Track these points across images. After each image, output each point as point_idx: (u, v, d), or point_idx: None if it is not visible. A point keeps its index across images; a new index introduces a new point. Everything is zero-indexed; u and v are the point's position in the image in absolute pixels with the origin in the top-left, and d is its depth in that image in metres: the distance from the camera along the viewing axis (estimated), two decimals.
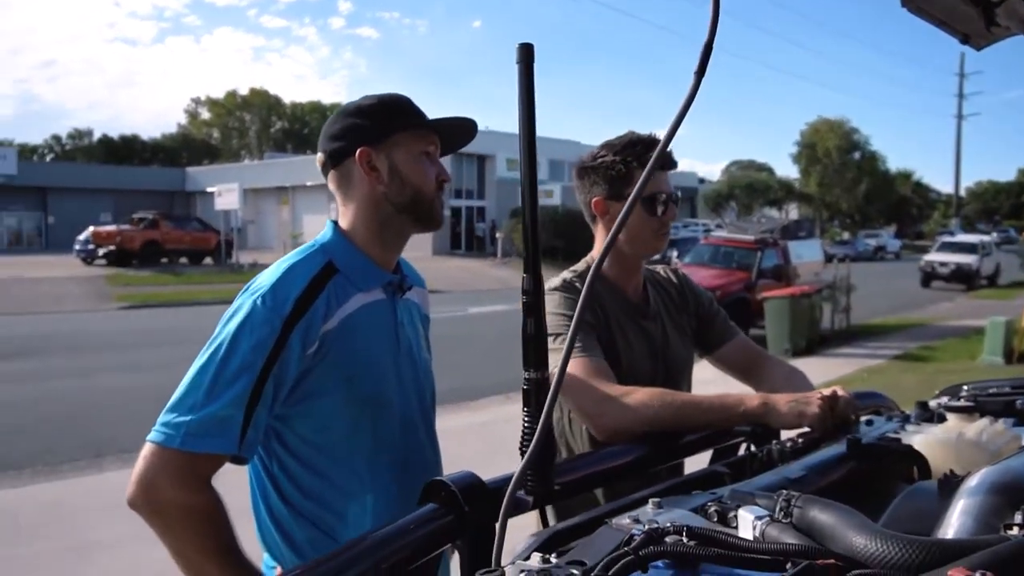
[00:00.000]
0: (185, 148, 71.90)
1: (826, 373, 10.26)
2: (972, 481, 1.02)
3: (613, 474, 1.38)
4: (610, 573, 0.76)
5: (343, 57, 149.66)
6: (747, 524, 0.92)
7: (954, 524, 0.96)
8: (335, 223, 1.60)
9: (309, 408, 1.44)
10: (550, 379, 1.22)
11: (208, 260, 29.34)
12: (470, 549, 1.14)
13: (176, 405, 1.35)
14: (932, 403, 1.71)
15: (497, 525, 0.89)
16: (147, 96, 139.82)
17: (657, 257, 2.24)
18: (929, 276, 25.71)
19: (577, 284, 1.89)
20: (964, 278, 25.21)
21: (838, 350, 12.72)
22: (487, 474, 1.24)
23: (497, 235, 32.91)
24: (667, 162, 1.92)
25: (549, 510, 1.50)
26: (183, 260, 28.76)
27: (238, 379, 1.34)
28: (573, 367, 1.68)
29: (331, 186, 1.60)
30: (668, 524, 0.86)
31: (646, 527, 0.87)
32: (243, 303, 1.41)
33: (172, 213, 33.36)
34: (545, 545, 1.01)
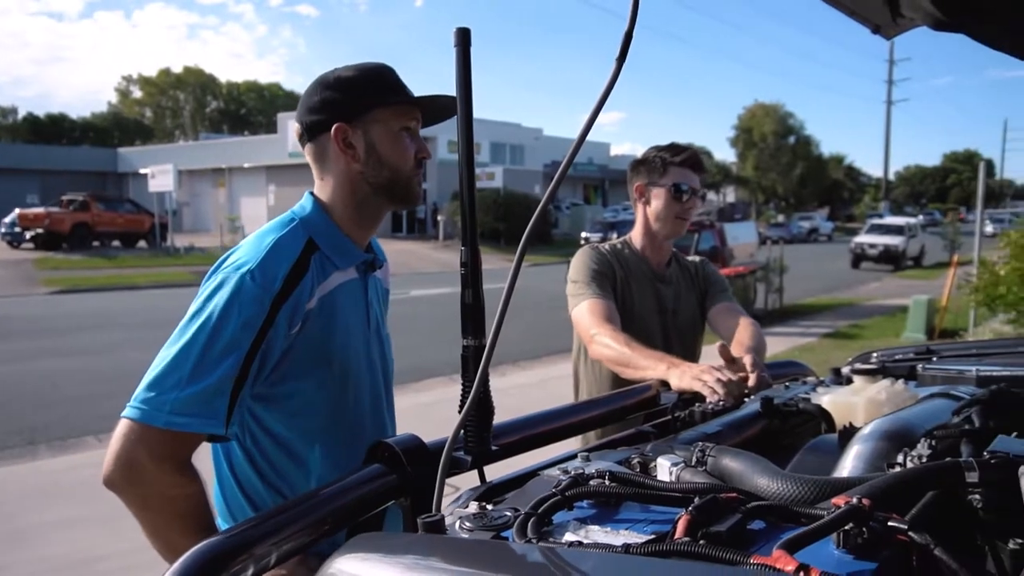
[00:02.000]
0: (116, 128, 69.57)
1: (785, 343, 10.62)
2: (865, 430, 1.14)
3: (551, 436, 1.46)
4: (539, 511, 0.84)
5: (282, 35, 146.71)
6: (664, 470, 1.01)
7: (848, 467, 1.07)
8: (313, 195, 1.56)
9: (287, 386, 1.43)
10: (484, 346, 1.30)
11: (142, 243, 28.56)
12: (414, 505, 1.21)
13: (158, 382, 1.29)
14: (844, 369, 1.85)
15: (437, 482, 0.96)
16: (76, 73, 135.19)
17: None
18: (859, 257, 26.55)
19: (605, 247, 2.47)
20: (891, 259, 26.13)
21: (771, 329, 13.10)
22: None
23: (439, 217, 32.82)
24: (697, 165, 2.45)
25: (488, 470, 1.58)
26: (116, 243, 27.94)
27: (226, 357, 1.30)
28: (585, 307, 2.24)
29: (308, 158, 1.56)
30: (593, 471, 0.94)
31: (571, 474, 0.95)
32: (228, 278, 1.35)
33: (104, 195, 32.26)
34: (482, 497, 1.09)
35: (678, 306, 2.48)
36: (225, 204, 37.50)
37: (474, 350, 1.28)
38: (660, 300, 2.45)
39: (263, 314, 1.34)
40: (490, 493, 1.10)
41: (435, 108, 1.58)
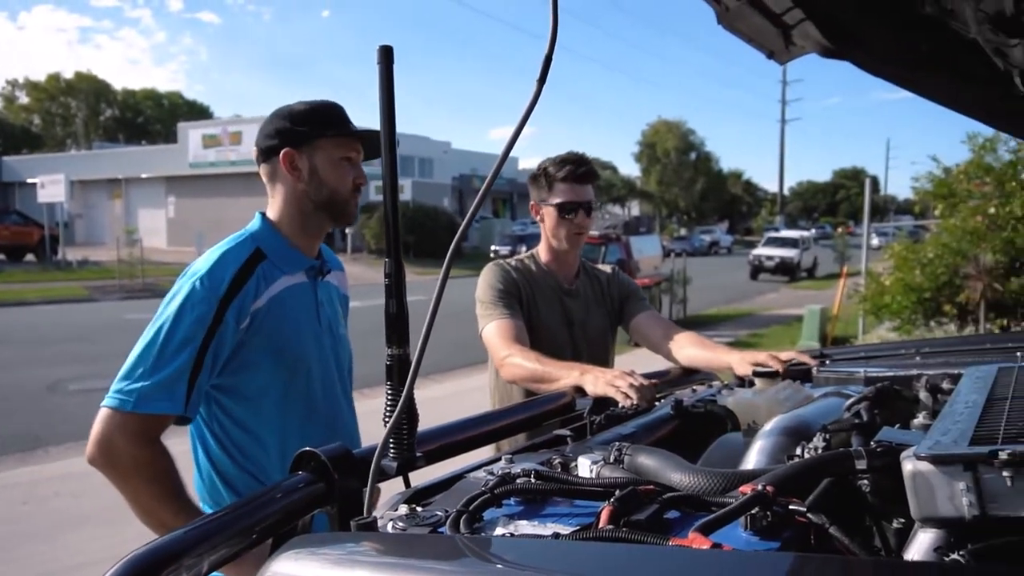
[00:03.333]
0: (0, 135, 65.79)
1: (664, 361, 10.89)
2: (767, 427, 1.23)
3: (473, 443, 1.50)
4: (470, 509, 0.88)
5: (181, 42, 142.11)
6: (585, 468, 1.07)
7: (752, 460, 1.16)
8: (263, 214, 1.80)
9: (244, 377, 1.65)
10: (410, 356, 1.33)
11: (31, 256, 27.12)
12: (341, 513, 1.23)
13: (127, 374, 1.54)
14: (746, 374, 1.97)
15: (366, 489, 0.99)
16: None
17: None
18: (757, 269, 27.67)
19: (512, 263, 2.45)
20: (787, 271, 27.34)
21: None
22: None
23: (347, 231, 32.42)
24: (585, 176, 2.41)
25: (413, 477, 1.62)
26: (0, 257, 26.43)
27: (183, 350, 1.55)
28: (494, 328, 2.25)
29: (263, 177, 1.80)
30: (519, 470, 0.99)
31: (497, 474, 1.00)
32: (182, 286, 1.61)
33: None
34: (410, 500, 1.12)
35: (586, 319, 2.48)
36: (122, 216, 35.96)
37: (399, 359, 1.31)
38: (567, 314, 2.45)
39: (211, 312, 1.58)
40: (417, 497, 1.13)
41: (375, 142, 1.71)
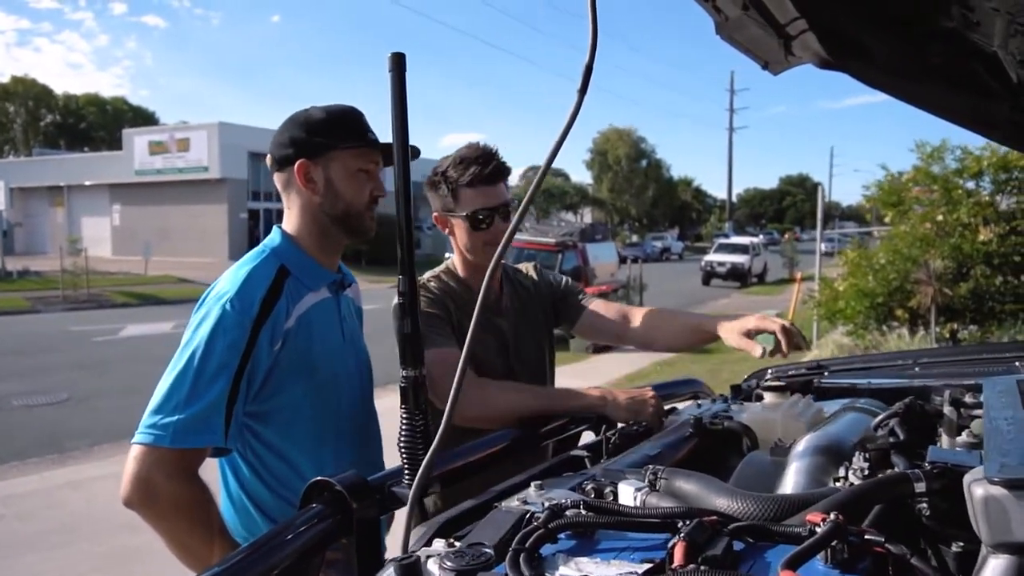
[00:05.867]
0: None
1: (622, 368, 10.95)
2: (799, 447, 1.20)
3: (483, 463, 1.45)
4: (526, 546, 0.83)
5: (126, 46, 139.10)
6: (628, 496, 1.03)
7: (790, 482, 1.13)
8: (281, 228, 1.72)
9: (276, 401, 1.57)
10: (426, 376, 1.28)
11: None
12: (359, 544, 1.17)
13: (159, 408, 1.45)
14: (744, 386, 1.95)
15: (406, 520, 0.93)
16: None
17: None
18: (709, 275, 28.03)
19: (431, 284, 1.99)
20: (738, 276, 27.75)
21: (630, 347, 13.56)
22: None
23: None
24: (494, 175, 1.95)
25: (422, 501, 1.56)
26: None
27: (218, 378, 1.47)
28: (433, 358, 1.67)
29: (277, 186, 1.72)
30: (566, 500, 0.94)
31: (545, 505, 0.95)
32: (211, 309, 1.52)
33: None
34: (439, 532, 1.06)
35: (519, 339, 2.07)
36: (64, 224, 34.93)
37: (414, 381, 1.26)
38: (499, 336, 2.04)
39: (245, 336, 1.50)
40: (448, 528, 1.08)
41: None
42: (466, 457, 1.44)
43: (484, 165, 1.94)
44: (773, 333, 1.72)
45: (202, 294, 1.60)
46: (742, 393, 1.94)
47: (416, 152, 1.65)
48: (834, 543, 0.76)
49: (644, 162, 61.48)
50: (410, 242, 1.26)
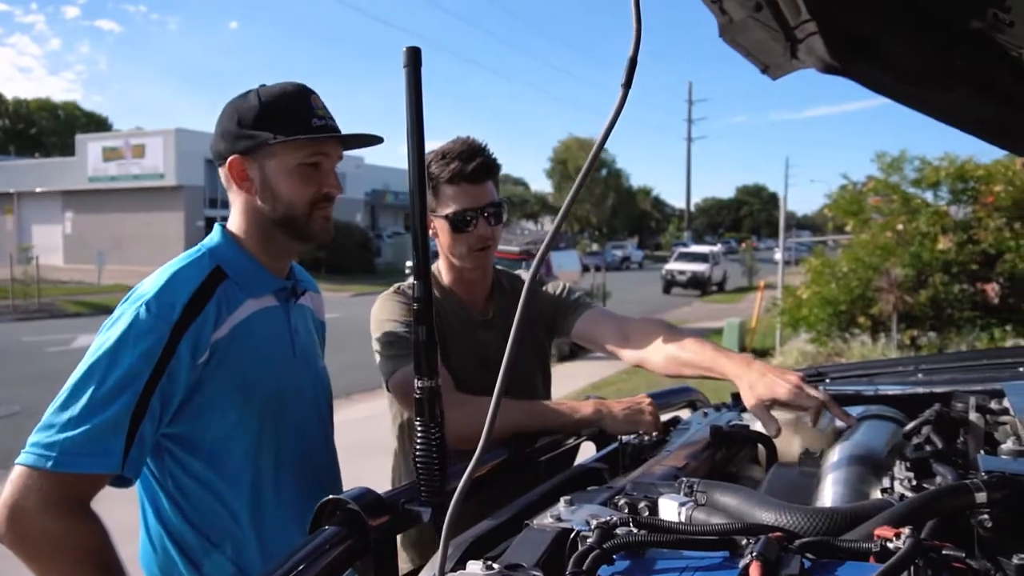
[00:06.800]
0: None
1: (589, 376, 10.96)
2: (833, 457, 1.17)
3: (495, 475, 1.40)
4: (584, 569, 0.77)
5: (79, 50, 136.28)
6: (671, 511, 0.98)
7: (828, 493, 1.09)
8: (223, 226, 1.50)
9: (204, 423, 1.35)
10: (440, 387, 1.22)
11: None
12: (377, 566, 1.10)
13: (49, 423, 1.23)
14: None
15: (441, 543, 0.86)
16: None
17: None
18: (670, 283, 28.26)
19: (410, 290, 1.80)
20: (699, 284, 28.02)
21: (598, 354, 13.59)
22: None
23: None
24: (478, 172, 1.79)
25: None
26: None
27: (122, 392, 1.24)
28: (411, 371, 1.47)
29: (223, 181, 1.50)
30: (612, 518, 0.89)
31: (590, 523, 0.90)
32: (123, 312, 1.31)
33: None
34: (470, 552, 1.00)
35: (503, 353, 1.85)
36: (14, 232, 33.90)
37: (429, 392, 1.20)
38: (483, 351, 1.86)
39: (161, 344, 1.27)
40: (478, 549, 1.02)
41: (352, 137, 1.50)
42: (479, 469, 1.38)
43: (467, 161, 1.78)
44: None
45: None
46: (741, 401, 1.90)
47: (378, 139, 1.52)
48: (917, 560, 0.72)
49: (604, 171, 61.90)
50: (425, 248, 1.20)
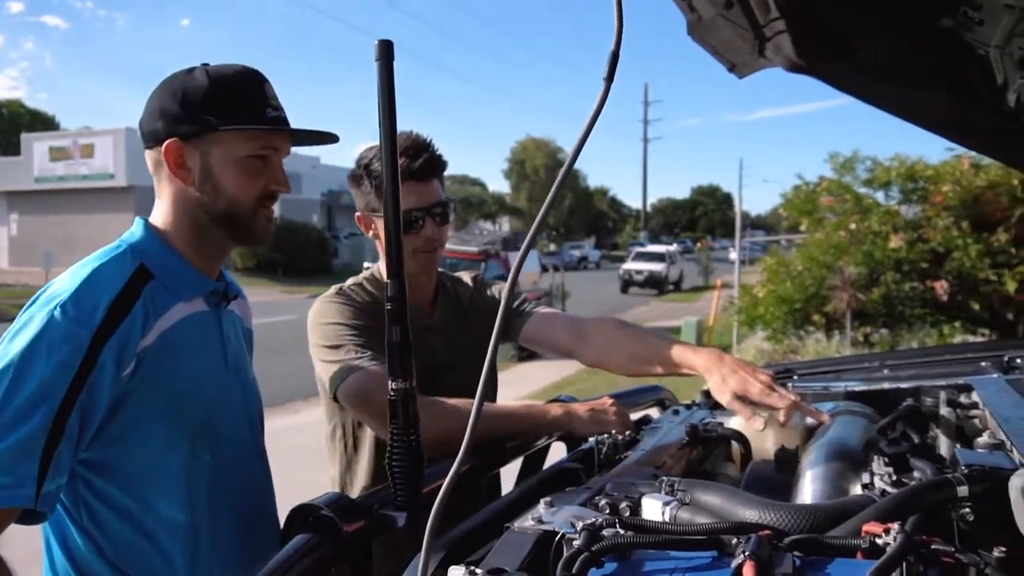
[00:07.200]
0: None
1: (549, 375, 10.97)
2: (811, 454, 1.17)
3: (468, 477, 1.38)
4: (573, 572, 0.76)
5: (22, 47, 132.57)
6: (654, 511, 0.96)
7: (808, 490, 1.09)
8: (146, 221, 1.33)
9: (127, 445, 1.19)
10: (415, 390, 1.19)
11: None
12: (353, 572, 1.08)
13: None
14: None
15: (423, 548, 0.83)
16: None
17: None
18: (627, 283, 28.52)
19: (353, 293, 1.77)
20: (656, 284, 28.33)
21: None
22: None
23: None
24: (425, 171, 1.71)
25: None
26: None
27: (34, 411, 1.06)
28: (366, 376, 1.54)
29: (149, 167, 1.33)
30: (598, 520, 0.87)
31: (575, 525, 0.88)
32: (33, 315, 1.13)
33: None
34: (450, 559, 0.98)
35: (454, 357, 1.79)
36: None
37: (403, 394, 1.17)
38: (432, 354, 1.75)
39: (80, 353, 1.10)
40: (459, 553, 0.99)
41: (307, 133, 1.41)
42: (437, 479, 1.35)
43: (414, 158, 1.68)
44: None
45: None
46: (712, 399, 1.90)
47: (334, 138, 1.44)
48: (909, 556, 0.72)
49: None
50: (399, 246, 1.17)
